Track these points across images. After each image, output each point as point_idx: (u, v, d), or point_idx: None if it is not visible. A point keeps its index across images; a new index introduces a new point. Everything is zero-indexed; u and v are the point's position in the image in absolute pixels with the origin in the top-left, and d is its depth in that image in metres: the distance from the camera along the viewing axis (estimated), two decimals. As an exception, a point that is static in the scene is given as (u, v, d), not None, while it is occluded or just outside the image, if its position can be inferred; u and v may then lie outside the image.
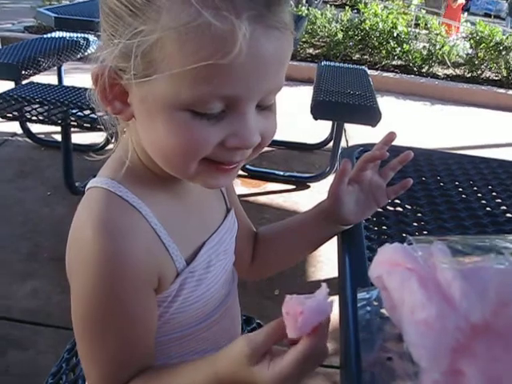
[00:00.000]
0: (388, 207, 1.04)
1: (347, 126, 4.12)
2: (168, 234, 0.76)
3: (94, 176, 0.78)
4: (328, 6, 8.98)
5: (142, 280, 0.72)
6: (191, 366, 0.74)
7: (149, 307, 0.75)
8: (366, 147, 1.32)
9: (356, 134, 4.24)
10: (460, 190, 1.19)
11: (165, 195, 0.79)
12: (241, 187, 3.42)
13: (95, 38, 3.61)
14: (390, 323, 0.59)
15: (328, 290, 0.63)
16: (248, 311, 1.22)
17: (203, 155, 0.68)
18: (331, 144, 3.58)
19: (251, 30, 0.60)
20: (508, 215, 1.08)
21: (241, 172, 3.52)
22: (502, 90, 6.60)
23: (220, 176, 0.73)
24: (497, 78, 7.03)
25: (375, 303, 0.65)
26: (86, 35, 3.85)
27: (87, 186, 0.77)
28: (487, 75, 7.10)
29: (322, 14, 7.47)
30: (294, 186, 3.54)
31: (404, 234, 0.97)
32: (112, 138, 0.82)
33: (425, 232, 0.99)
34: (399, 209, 1.07)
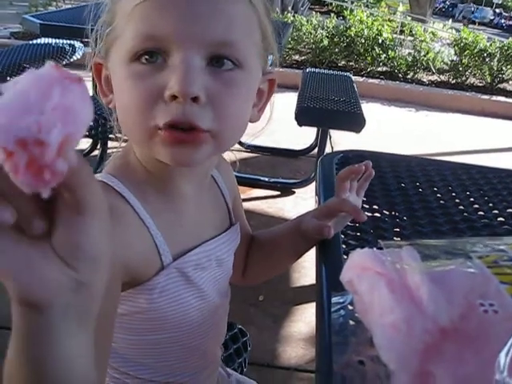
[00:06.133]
0: (366, 213, 1.05)
1: (333, 131, 4.13)
2: (156, 227, 0.76)
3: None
4: (314, 12, 9.02)
5: (119, 258, 0.68)
6: None
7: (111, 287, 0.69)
8: (346, 154, 1.34)
9: (342, 139, 4.26)
10: (438, 195, 1.20)
11: (157, 194, 0.80)
12: (226, 193, 3.41)
13: (81, 45, 3.61)
14: (363, 327, 0.60)
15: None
16: (231, 317, 1.21)
17: (152, 108, 0.69)
18: (316, 150, 3.59)
19: None
20: (485, 220, 1.10)
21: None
22: (486, 96, 6.67)
23: (184, 146, 0.70)
24: (481, 85, 7.10)
25: (350, 307, 0.66)
26: (72, 41, 3.84)
27: None
28: (471, 81, 7.16)
29: (307, 21, 7.50)
30: (278, 192, 3.55)
31: (382, 239, 0.98)
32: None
33: (402, 237, 1.00)
34: (377, 214, 1.08)
